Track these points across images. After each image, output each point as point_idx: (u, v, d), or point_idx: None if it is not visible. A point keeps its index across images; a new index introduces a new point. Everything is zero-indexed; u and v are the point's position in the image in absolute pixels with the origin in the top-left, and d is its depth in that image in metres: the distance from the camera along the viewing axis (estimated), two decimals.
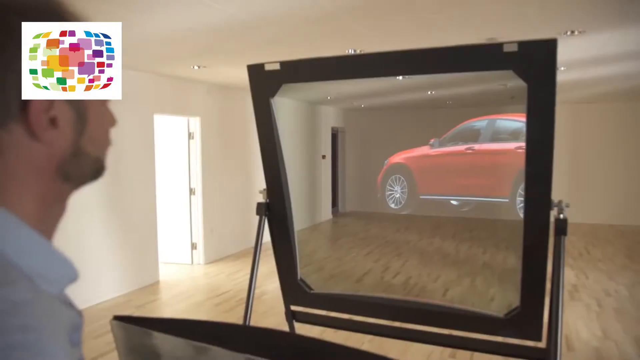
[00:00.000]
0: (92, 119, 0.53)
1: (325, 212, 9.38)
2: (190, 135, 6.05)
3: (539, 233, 1.78)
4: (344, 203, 10.29)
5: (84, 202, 4.32)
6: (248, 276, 6.04)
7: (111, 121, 0.56)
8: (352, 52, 3.98)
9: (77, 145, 0.51)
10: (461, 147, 8.09)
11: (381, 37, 3.65)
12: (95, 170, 0.55)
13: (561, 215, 1.76)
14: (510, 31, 3.36)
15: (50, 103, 0.48)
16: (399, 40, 3.72)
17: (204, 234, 6.07)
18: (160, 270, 5.44)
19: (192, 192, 6.10)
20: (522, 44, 1.59)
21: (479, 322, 2.04)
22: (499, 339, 2.14)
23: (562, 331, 1.69)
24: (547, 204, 1.75)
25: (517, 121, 7.64)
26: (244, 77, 6.05)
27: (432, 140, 8.11)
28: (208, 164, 6.15)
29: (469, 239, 7.47)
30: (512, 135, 7.59)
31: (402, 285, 5.14)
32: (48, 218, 0.52)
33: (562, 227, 1.73)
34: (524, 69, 1.61)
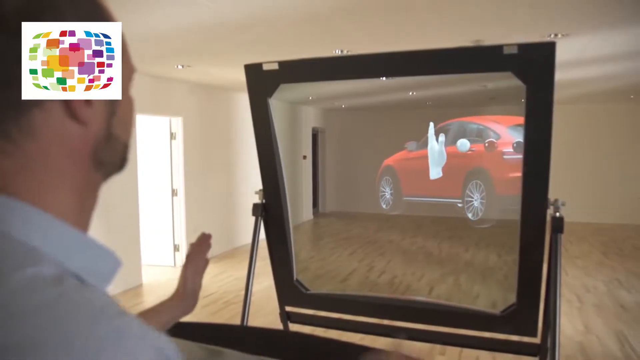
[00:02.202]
0: (123, 97, 0.50)
1: (307, 212, 9.39)
2: (172, 136, 5.97)
3: (536, 231, 1.82)
4: (325, 203, 10.31)
5: None
6: (232, 278, 5.99)
7: (133, 104, 0.54)
8: (340, 52, 4.00)
9: (110, 127, 0.49)
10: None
11: (369, 38, 3.67)
12: (123, 159, 0.53)
13: (557, 214, 1.81)
14: (496, 34, 3.43)
15: None
16: (387, 41, 3.75)
17: (187, 235, 6.00)
18: (142, 273, 5.35)
19: (174, 193, 6.01)
20: (521, 47, 1.62)
21: (475, 319, 2.07)
22: (491, 334, 2.16)
23: (560, 327, 1.73)
24: (544, 202, 1.79)
25: (478, 124, 7.79)
26: (229, 77, 5.98)
27: (407, 143, 8.20)
28: (191, 165, 6.08)
29: (449, 237, 7.58)
30: (476, 138, 7.73)
31: (387, 284, 5.18)
32: (85, 211, 0.49)
33: (558, 225, 1.77)
34: (523, 70, 1.65)
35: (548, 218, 1.82)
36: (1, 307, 0.36)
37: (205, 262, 0.96)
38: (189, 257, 0.95)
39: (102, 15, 0.48)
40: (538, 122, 1.70)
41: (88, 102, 0.45)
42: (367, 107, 9.30)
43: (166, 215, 6.00)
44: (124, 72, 0.49)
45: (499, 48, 1.65)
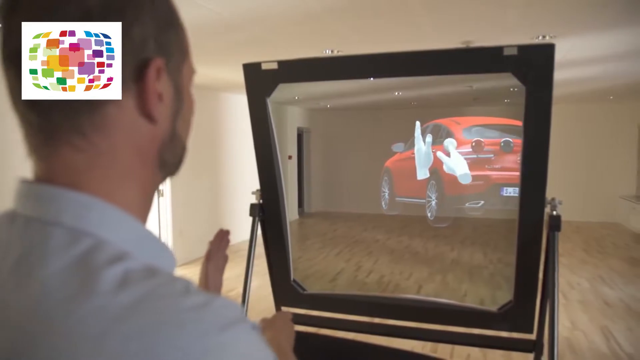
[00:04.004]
0: (186, 98, 0.50)
1: (292, 212, 9.38)
2: None
3: (534, 230, 1.84)
4: (310, 203, 10.32)
5: None
6: None
7: (194, 105, 0.53)
8: (329, 52, 4.00)
9: (175, 126, 0.49)
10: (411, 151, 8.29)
11: (358, 38, 3.68)
12: (181, 160, 0.52)
13: (554, 212, 1.83)
14: (486, 35, 3.48)
15: (158, 73, 0.45)
16: (376, 41, 3.77)
17: (173, 236, 5.94)
18: None
19: (160, 193, 5.94)
20: (521, 48, 1.64)
21: (472, 317, 2.09)
22: (480, 331, 2.18)
23: (558, 324, 1.77)
24: (542, 201, 1.81)
25: (445, 126, 7.91)
26: (217, 76, 5.94)
27: (393, 145, 8.25)
28: None
29: (434, 236, 7.66)
30: (440, 139, 7.85)
31: (376, 283, 5.21)
32: (147, 209, 0.49)
33: (556, 223, 1.80)
34: (522, 71, 1.67)
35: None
36: (103, 306, 0.36)
37: (225, 259, 0.95)
38: (208, 255, 0.93)
39: (174, 15, 0.48)
40: (537, 122, 1.72)
41: (160, 99, 0.45)
42: (352, 107, 9.33)
43: (152, 216, 5.92)
44: (185, 72, 0.49)
45: (498, 49, 1.67)
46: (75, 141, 0.42)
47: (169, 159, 0.49)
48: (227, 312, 0.39)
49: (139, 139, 0.45)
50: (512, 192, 6.17)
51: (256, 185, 2.27)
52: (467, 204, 6.69)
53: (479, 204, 6.53)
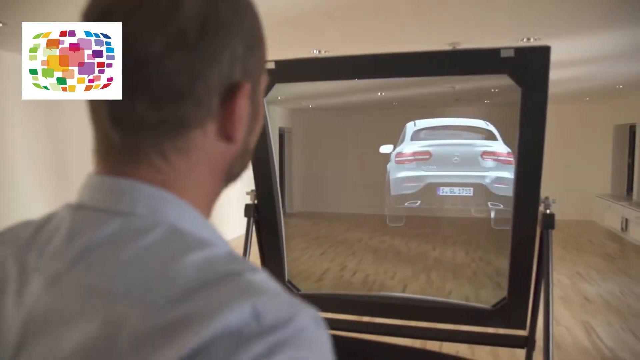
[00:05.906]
0: (260, 113, 0.50)
1: None
2: None
3: (528, 228, 1.89)
4: (292, 203, 10.29)
5: (33, 210, 4.03)
6: None
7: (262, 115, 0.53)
8: (317, 52, 4.01)
9: (247, 143, 0.49)
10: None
11: (348, 39, 3.70)
12: (244, 170, 0.53)
13: (548, 211, 1.88)
14: (472, 38, 3.53)
15: (246, 97, 0.44)
16: (363, 42, 3.79)
17: None
18: None
19: None
20: (517, 50, 1.68)
21: (468, 314, 2.12)
22: (468, 327, 2.21)
23: (553, 320, 1.81)
24: (536, 201, 1.85)
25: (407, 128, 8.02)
26: None
27: (381, 147, 8.27)
28: None
29: (415, 236, 7.73)
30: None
31: (361, 282, 5.23)
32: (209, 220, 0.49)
33: (549, 221, 1.84)
34: (519, 73, 1.70)
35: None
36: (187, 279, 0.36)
37: None
38: None
39: (260, 32, 0.48)
40: (532, 123, 1.77)
41: (241, 121, 0.45)
42: (333, 107, 9.34)
43: None
44: (262, 83, 0.49)
45: (495, 51, 1.70)
46: (155, 162, 0.42)
47: (236, 172, 0.50)
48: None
49: (213, 157, 0.45)
50: (449, 191, 6.34)
51: (244, 185, 2.26)
52: (406, 204, 6.83)
53: (417, 204, 6.68)
